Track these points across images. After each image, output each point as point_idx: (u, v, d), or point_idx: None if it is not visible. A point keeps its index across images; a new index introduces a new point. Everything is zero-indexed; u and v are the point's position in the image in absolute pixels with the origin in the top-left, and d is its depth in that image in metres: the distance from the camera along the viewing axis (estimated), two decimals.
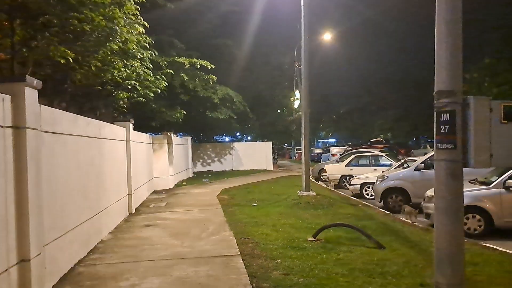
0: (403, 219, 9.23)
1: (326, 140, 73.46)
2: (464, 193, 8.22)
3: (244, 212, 10.30)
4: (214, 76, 16.07)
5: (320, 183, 19.03)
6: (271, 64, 30.60)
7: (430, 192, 8.90)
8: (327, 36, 32.93)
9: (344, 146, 37.48)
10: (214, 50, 20.64)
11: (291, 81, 35.78)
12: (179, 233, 8.01)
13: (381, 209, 10.72)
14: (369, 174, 14.73)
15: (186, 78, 15.58)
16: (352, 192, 14.46)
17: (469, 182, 8.96)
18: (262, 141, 31.67)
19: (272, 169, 26.65)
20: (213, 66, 14.92)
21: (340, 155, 30.67)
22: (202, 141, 29.21)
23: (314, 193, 11.61)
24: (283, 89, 34.09)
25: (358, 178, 14.51)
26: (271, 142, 27.55)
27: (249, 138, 41.87)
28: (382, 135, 57.63)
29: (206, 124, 22.41)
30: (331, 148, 34.16)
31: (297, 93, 34.46)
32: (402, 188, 11.11)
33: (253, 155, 26.25)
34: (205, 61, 14.76)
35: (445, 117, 4.05)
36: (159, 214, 10.40)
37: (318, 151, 40.44)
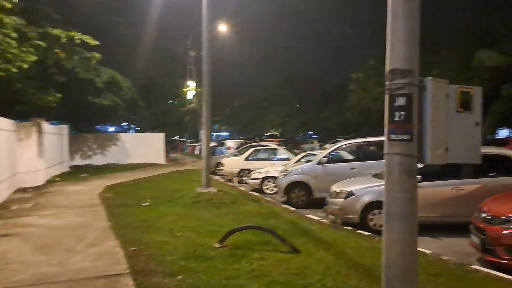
0: (310, 216, 8.71)
1: (219, 133, 73.06)
2: (368, 188, 8.03)
3: (133, 213, 8.75)
4: (98, 54, 13.82)
5: (217, 177, 18.06)
6: (165, 51, 28.60)
7: (336, 187, 8.50)
8: (223, 28, 32.01)
9: (238, 139, 37.13)
10: (101, 28, 18.06)
11: (185, 71, 34.12)
12: (47, 245, 6.23)
13: (285, 205, 10.12)
14: (269, 168, 14.22)
15: (62, 55, 13.04)
16: (252, 187, 13.77)
17: (372, 176, 8.80)
18: (153, 132, 29.53)
19: (164, 163, 24.84)
20: (97, 43, 12.75)
21: (236, 148, 30.33)
22: (83, 131, 25.96)
23: (215, 190, 10.54)
24: (177, 78, 32.31)
25: (259, 172, 13.87)
26: (163, 133, 25.64)
27: (138, 129, 38.96)
28: (273, 130, 59.28)
29: (88, 111, 19.67)
30: (226, 142, 33.48)
31: (191, 83, 32.97)
32: (305, 182, 10.69)
33: (142, 147, 24.09)
34: (87, 36, 12.52)
35: (401, 101, 3.28)
36: (22, 219, 8.28)
37: (212, 144, 39.44)
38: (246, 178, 15.86)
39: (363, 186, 8.01)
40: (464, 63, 22.23)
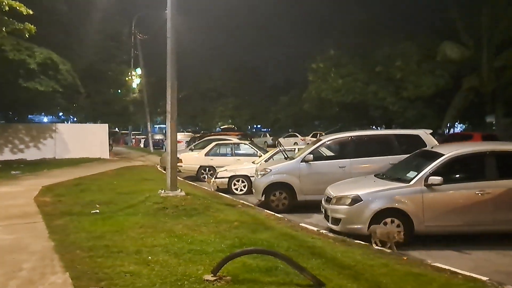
0: (305, 225, 7.33)
1: (161, 126, 69.71)
2: (378, 192, 6.80)
3: (82, 226, 6.83)
4: (32, 26, 11.30)
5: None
6: (106, 33, 25.83)
7: (337, 191, 7.19)
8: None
9: (187, 132, 34.94)
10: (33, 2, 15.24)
11: (130, 56, 31.30)
12: None
13: (265, 210, 8.65)
14: (237, 166, 12.68)
15: None
16: (218, 187, 12.16)
17: (375, 176, 7.62)
18: (94, 123, 26.67)
19: (108, 157, 22.30)
20: (30, 12, 10.37)
21: (186, 142, 28.32)
22: (13, 121, 22.66)
23: (182, 193, 8.79)
24: (120, 64, 29.43)
25: (226, 170, 12.27)
26: (107, 125, 23.01)
27: (74, 119, 35.36)
28: (221, 122, 57.47)
29: (19, 98, 16.76)
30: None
31: (138, 70, 30.33)
32: (287, 183, 9.29)
33: (83, 140, 21.38)
34: (18, 3, 10.09)
35: None
36: None
37: (158, 137, 36.95)
38: (207, 177, 14.27)
39: (371, 189, 6.75)
40: (426, 54, 22.09)
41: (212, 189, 11.80)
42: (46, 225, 6.88)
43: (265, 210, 8.71)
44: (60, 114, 31.74)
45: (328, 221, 7.13)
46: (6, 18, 10.94)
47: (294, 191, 9.24)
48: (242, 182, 12.01)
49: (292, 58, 69.92)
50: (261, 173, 9.57)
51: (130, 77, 30.83)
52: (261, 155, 14.58)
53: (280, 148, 11.29)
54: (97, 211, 8.22)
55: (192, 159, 15.34)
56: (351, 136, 9.45)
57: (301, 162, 9.26)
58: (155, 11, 30.15)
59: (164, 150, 31.42)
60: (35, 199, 9.37)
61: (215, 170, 14.70)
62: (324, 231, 6.91)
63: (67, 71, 16.98)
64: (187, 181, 14.21)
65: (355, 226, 6.63)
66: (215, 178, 12.36)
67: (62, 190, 10.91)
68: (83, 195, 10.20)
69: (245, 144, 15.69)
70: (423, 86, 21.55)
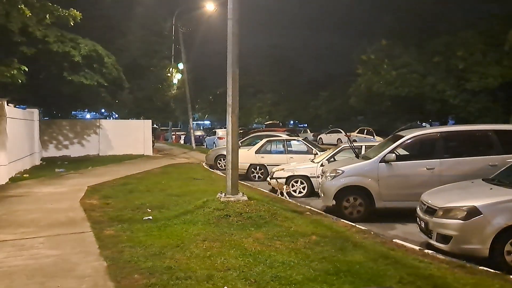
0: (399, 241, 6.01)
1: (202, 122, 69.52)
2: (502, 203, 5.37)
3: (137, 238, 5.84)
4: (77, 12, 10.49)
5: (218, 172, 15.20)
6: (149, 28, 25.36)
7: (442, 200, 5.82)
8: (210, 7, 28.75)
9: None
10: None
11: (171, 51, 30.73)
12: None
13: (344, 221, 7.37)
14: (296, 165, 11.47)
15: (28, 13, 9.59)
16: (274, 188, 11.01)
17: (484, 181, 6.18)
18: (137, 119, 26.24)
19: (152, 154, 21.68)
20: None
21: None
22: (56, 117, 22.47)
23: (245, 197, 7.67)
24: (162, 59, 28.97)
25: (283, 169, 11.07)
26: (150, 121, 22.39)
27: (116, 116, 35.31)
28: (259, 119, 56.38)
29: (62, 92, 16.26)
30: (218, 131, 30.38)
31: (180, 65, 29.67)
32: (363, 187, 7.96)
33: (127, 136, 20.83)
34: None
35: None
36: None
37: (199, 133, 36.31)
38: (256, 175, 13.23)
39: (491, 199, 5.33)
40: (491, 43, 19.91)
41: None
42: (95, 236, 5.94)
43: (341, 220, 7.43)
44: (102, 110, 31.73)
45: (430, 237, 5.77)
46: (50, 3, 10.21)
47: (372, 196, 7.90)
48: (301, 183, 10.78)
49: (333, 52, 67.10)
50: (331, 174, 8.27)
51: (171, 73, 30.30)
52: (317, 153, 13.35)
53: (350, 145, 9.95)
54: (150, 217, 7.26)
55: (241, 157, 14.15)
56: (440, 132, 7.96)
57: (380, 162, 7.90)
58: (197, 4, 29.45)
59: (205, 146, 30.76)
60: (81, 202, 8.55)
61: (266, 169, 13.63)
62: (429, 251, 5.54)
63: (112, 64, 16.34)
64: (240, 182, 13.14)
65: (472, 247, 5.24)
66: (270, 179, 11.19)
67: (109, 191, 10.09)
68: (132, 197, 9.32)
69: (298, 140, 14.45)
70: (489, 77, 19.44)
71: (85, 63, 14.85)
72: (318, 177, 10.50)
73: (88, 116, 44.02)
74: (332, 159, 10.78)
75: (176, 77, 31.76)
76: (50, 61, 14.16)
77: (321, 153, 13.31)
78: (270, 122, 35.39)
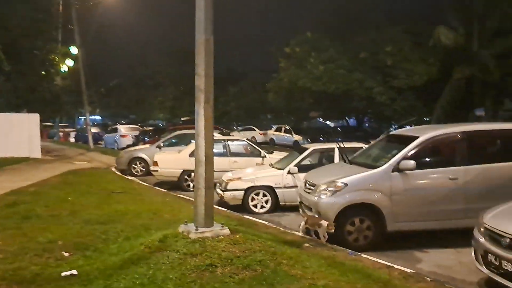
0: None
1: (93, 118, 62.30)
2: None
3: None
4: None
5: (138, 181, 12.24)
6: (33, 2, 20.73)
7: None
8: None
9: (134, 125, 29.88)
10: None
11: (61, 32, 25.73)
12: None
13: (375, 259, 5.33)
14: (254, 171, 9.23)
15: None
16: (227, 202, 8.63)
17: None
18: (17, 112, 21.07)
19: (40, 156, 17.27)
20: None
21: (135, 136, 23.89)
22: None
23: (226, 230, 5.14)
24: (49, 42, 24.12)
25: (240, 178, 8.73)
26: (37, 115, 17.83)
27: None
28: (162, 114, 52.33)
29: None
30: (119, 127, 26.38)
31: (73, 49, 24.90)
32: (373, 205, 6.07)
33: (6, 134, 16.21)
34: None
35: None
36: None
37: (95, 130, 31.40)
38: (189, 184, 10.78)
39: None
40: (415, 41, 20.06)
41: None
42: None
43: (361, 254, 5.42)
44: None
45: None
46: None
47: (382, 217, 6.05)
48: (264, 195, 8.58)
49: (247, 44, 64.09)
50: (329, 189, 6.21)
51: (59, 58, 25.28)
52: (265, 156, 11.34)
53: (338, 146, 8.02)
54: (73, 271, 4.40)
55: (172, 161, 11.51)
56: (461, 132, 6.43)
57: (392, 171, 6.09)
58: None
59: (104, 146, 26.50)
60: None
61: None
62: None
63: None
64: (170, 192, 10.43)
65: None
66: (223, 191, 8.74)
67: None
68: (30, 228, 6.13)
69: (242, 141, 12.19)
70: (415, 74, 19.55)
71: None
72: (285, 187, 8.49)
73: None
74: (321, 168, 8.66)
75: (66, 64, 26.75)
76: None
77: (271, 156, 11.32)
78: (187, 118, 32.01)
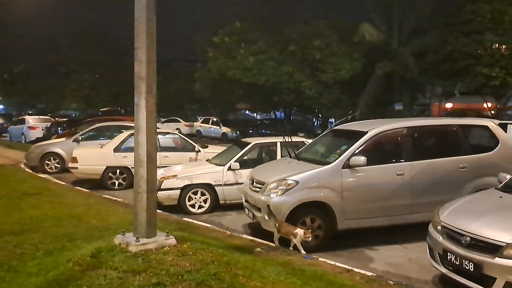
0: None
1: None
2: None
3: None
4: None
5: (53, 179, 10.89)
6: None
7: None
8: None
9: (42, 116, 26.96)
10: None
11: None
12: None
13: (331, 262, 5.03)
14: (189, 167, 8.54)
15: None
16: (161, 203, 7.87)
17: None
18: None
19: None
20: None
21: (45, 128, 21.50)
22: None
23: (172, 239, 4.47)
24: None
25: (175, 176, 8.00)
26: None
27: None
28: (76, 104, 48.24)
29: None
30: (28, 118, 23.58)
31: None
32: (323, 203, 5.83)
33: None
34: None
35: None
36: None
37: None
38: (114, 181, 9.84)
39: None
40: (341, 36, 20.57)
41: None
42: None
43: (318, 258, 5.11)
44: None
45: None
46: None
47: (333, 215, 5.84)
48: (203, 194, 7.96)
49: (170, 34, 61.08)
50: (279, 187, 5.83)
51: None
52: (199, 150, 10.70)
53: (285, 140, 7.63)
54: None
55: (94, 157, 10.33)
56: (407, 127, 6.42)
57: (343, 168, 5.88)
58: None
59: (9, 139, 23.56)
60: None
61: (131, 173, 10.09)
62: None
63: None
64: (92, 191, 9.33)
65: None
66: (159, 190, 7.93)
67: None
68: None
69: (173, 134, 11.35)
70: (342, 69, 20.06)
71: None
72: (226, 185, 7.98)
73: None
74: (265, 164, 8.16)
75: None
76: None
77: (206, 150, 10.70)
78: (107, 108, 29.21)
